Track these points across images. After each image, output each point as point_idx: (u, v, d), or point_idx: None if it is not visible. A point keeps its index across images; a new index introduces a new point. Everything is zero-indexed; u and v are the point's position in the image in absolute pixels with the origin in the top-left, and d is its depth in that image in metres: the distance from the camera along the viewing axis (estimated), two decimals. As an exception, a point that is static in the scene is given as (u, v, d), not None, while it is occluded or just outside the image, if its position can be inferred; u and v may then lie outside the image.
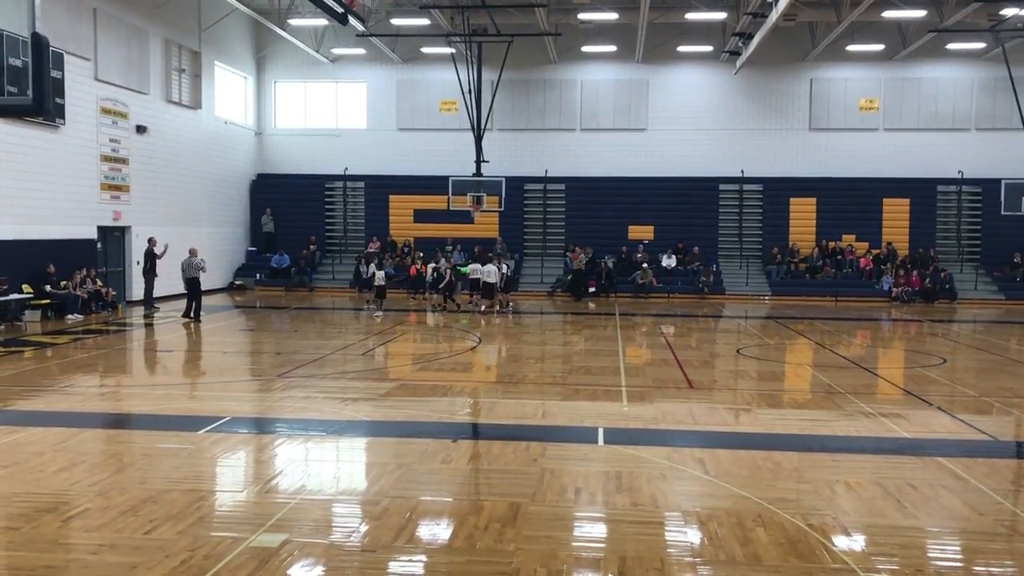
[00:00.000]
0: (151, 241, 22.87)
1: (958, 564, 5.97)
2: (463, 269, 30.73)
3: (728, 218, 32.55)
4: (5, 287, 19.02)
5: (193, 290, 21.27)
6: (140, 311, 22.66)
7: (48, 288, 20.54)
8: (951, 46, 30.48)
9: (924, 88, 31.76)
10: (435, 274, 27.19)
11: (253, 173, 33.45)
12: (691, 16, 28.25)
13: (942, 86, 31.71)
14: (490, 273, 23.82)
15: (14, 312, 19.52)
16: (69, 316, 20.47)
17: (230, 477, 8.16)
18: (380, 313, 23.03)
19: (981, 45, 30.19)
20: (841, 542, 6.24)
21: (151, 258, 22.65)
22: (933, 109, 31.76)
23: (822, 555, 5.98)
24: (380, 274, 23.74)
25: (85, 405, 11.08)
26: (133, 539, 6.13)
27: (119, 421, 10.35)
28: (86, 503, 6.91)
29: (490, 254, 28.88)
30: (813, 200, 32.01)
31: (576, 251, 30.25)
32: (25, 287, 20.11)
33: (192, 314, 21.06)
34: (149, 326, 20.30)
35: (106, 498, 7.03)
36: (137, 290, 24.45)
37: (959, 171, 31.06)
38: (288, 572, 5.60)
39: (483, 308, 23.85)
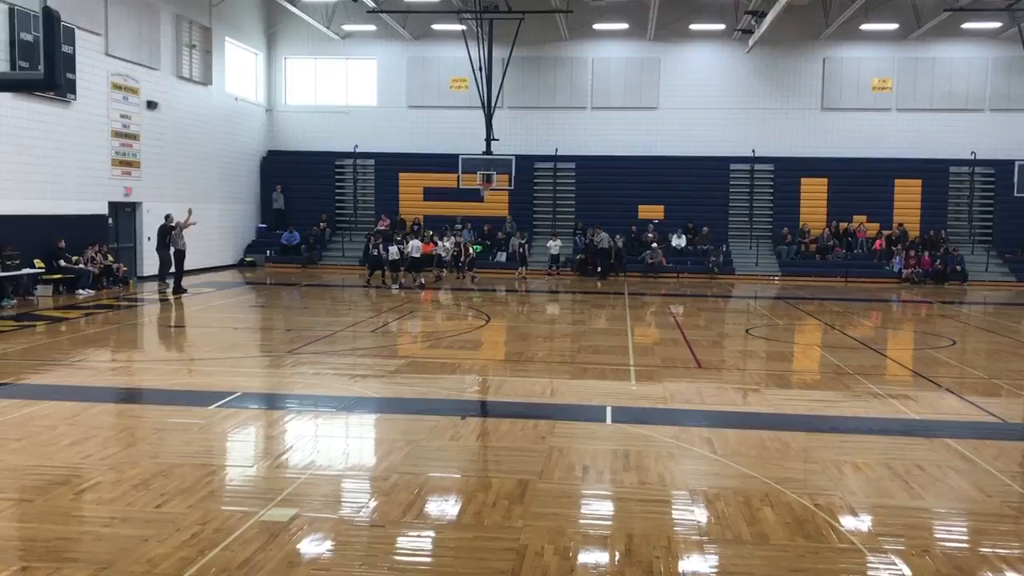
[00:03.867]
0: (168, 218, 22.67)
1: (965, 545, 5.98)
2: (477, 247, 30.82)
3: (739, 198, 32.42)
4: (17, 262, 19.11)
5: (180, 262, 21.84)
6: (154, 286, 22.75)
7: (62, 263, 20.65)
8: (966, 25, 30.19)
9: (938, 68, 31.48)
10: (456, 249, 27.70)
11: (263, 150, 33.43)
12: (704, -6, 28.03)
13: (956, 66, 31.42)
14: (523, 246, 29.64)
15: (26, 287, 19.63)
16: (80, 291, 20.58)
17: (240, 452, 8.22)
18: (396, 287, 23.72)
19: (997, 24, 29.89)
20: (848, 522, 6.26)
21: (165, 234, 22.52)
22: (947, 89, 31.50)
23: (829, 535, 6.01)
24: (394, 249, 24.29)
25: (97, 380, 11.16)
26: (144, 512, 6.19)
27: (130, 396, 10.42)
28: (98, 476, 6.98)
29: (499, 232, 29.08)
30: (824, 180, 31.84)
31: (596, 229, 30.15)
32: (37, 262, 20.21)
33: (179, 286, 21.58)
34: (164, 301, 20.40)
35: (118, 472, 7.09)
36: (149, 266, 24.62)
37: (972, 152, 30.83)
38: (297, 546, 5.66)
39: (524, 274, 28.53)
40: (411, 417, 9.23)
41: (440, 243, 27.22)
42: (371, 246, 25.73)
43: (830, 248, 30.80)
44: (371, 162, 33.23)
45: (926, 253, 29.94)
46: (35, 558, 5.40)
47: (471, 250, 28.57)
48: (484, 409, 10.06)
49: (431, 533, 5.99)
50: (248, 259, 31.44)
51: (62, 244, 20.72)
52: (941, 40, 31.11)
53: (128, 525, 5.95)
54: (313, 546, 5.70)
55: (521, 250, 29.88)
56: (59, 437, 8.10)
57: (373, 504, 6.52)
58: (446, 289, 24.56)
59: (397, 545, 5.77)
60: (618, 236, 30.35)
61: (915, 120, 31.70)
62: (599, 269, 29.46)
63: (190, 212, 22.55)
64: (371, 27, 31.92)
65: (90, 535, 5.83)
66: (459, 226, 31.50)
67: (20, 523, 6.04)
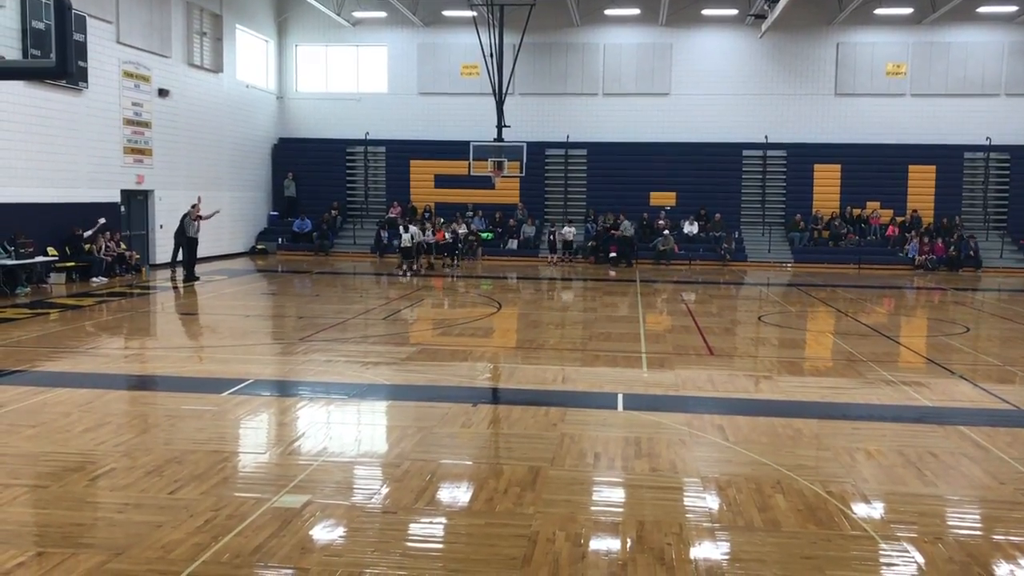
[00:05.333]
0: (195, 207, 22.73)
1: (977, 532, 5.96)
2: (485, 235, 30.80)
3: (751, 184, 32.27)
4: (31, 249, 19.21)
5: (192, 249, 21.96)
6: (166, 274, 22.87)
7: (85, 245, 20.77)
8: (982, 9, 29.90)
9: (953, 52, 31.19)
10: (453, 237, 27.71)
11: (275, 137, 33.45)
12: (716, -22, 27.83)
13: (972, 50, 31.13)
14: (552, 233, 30.20)
15: (40, 274, 19.74)
16: (94, 279, 20.68)
17: (253, 439, 8.25)
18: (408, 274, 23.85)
19: (1013, 8, 29.60)
20: (860, 509, 6.25)
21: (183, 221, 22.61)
22: (962, 74, 31.21)
23: (841, 522, 6.00)
24: (406, 236, 24.34)
25: (110, 367, 11.22)
26: (158, 499, 6.23)
27: (144, 383, 10.47)
28: (112, 463, 7.02)
29: (511, 220, 28.91)
30: (838, 167, 31.64)
31: (620, 217, 29.87)
32: (50, 250, 20.31)
33: (191, 273, 21.62)
34: (176, 289, 20.48)
35: (131, 458, 7.14)
36: (161, 254, 24.75)
37: (987, 137, 30.60)
38: (310, 533, 5.68)
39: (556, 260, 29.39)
40: (423, 404, 9.25)
41: (427, 231, 27.10)
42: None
43: (843, 235, 30.65)
44: (382, 149, 33.22)
45: (939, 240, 29.76)
46: (50, 543, 5.45)
47: (447, 237, 28.37)
48: (495, 396, 10.07)
49: (443, 520, 6.01)
50: (260, 246, 31.50)
51: (79, 232, 20.84)
52: (956, 24, 30.82)
53: (142, 511, 5.99)
54: (326, 532, 5.73)
55: (551, 237, 30.02)
56: (73, 424, 8.15)
57: (385, 491, 6.54)
58: (455, 277, 24.56)
59: (409, 532, 5.79)
60: (630, 223, 30.27)
61: (930, 105, 31.44)
62: (612, 255, 29.36)
63: (199, 200, 22.68)
64: (381, 14, 31.86)
65: (104, 521, 5.87)
66: (470, 214, 31.49)
67: (35, 509, 6.09)
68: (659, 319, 16.81)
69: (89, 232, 21.30)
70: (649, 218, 31.12)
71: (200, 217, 22.31)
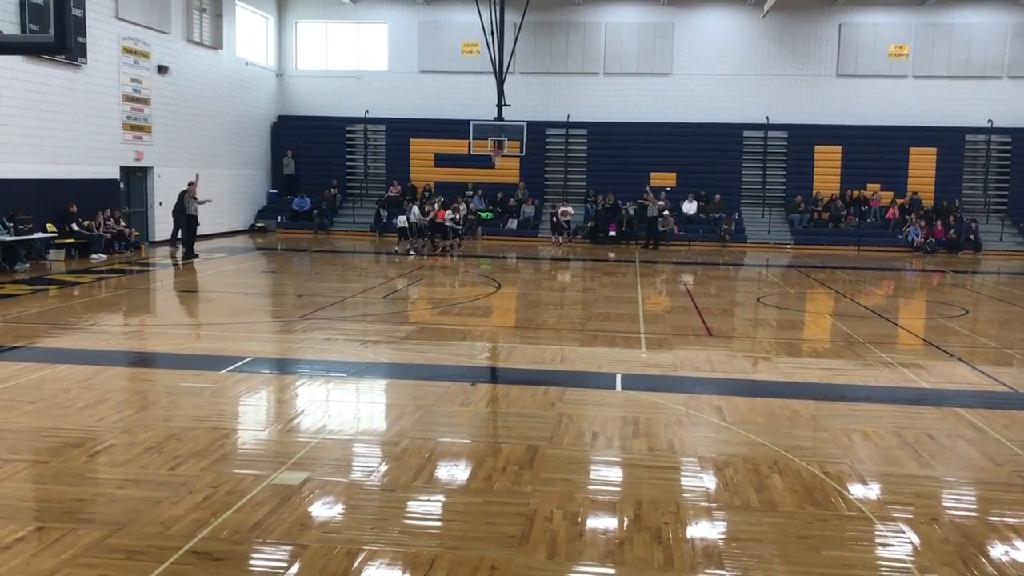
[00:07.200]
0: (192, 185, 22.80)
1: (973, 514, 5.99)
2: (484, 215, 30.75)
3: (752, 165, 32.19)
4: (30, 226, 19.19)
5: (191, 227, 22.00)
6: (166, 251, 22.86)
7: (75, 227, 20.72)
8: (986, -10, 29.77)
9: (956, 34, 31.04)
10: (455, 217, 27.56)
11: (274, 115, 33.31)
12: (719, -43, 27.63)
13: (975, 32, 30.97)
14: (554, 214, 30.14)
15: (39, 251, 19.73)
16: (93, 256, 20.67)
17: (252, 416, 8.27)
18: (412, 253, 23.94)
19: (1017, -10, 29.46)
20: (856, 490, 6.27)
21: (181, 198, 22.65)
22: (965, 56, 31.07)
23: (837, 502, 6.03)
24: (402, 218, 24.31)
25: (110, 343, 11.23)
26: (158, 475, 6.25)
27: (143, 360, 10.48)
28: (112, 439, 7.04)
29: (512, 200, 28.80)
30: (839, 148, 31.57)
31: (648, 194, 29.20)
32: (49, 226, 20.29)
33: (191, 251, 21.65)
34: (176, 266, 20.47)
35: (131, 435, 7.16)
36: (161, 231, 24.72)
37: (989, 120, 30.50)
38: (309, 509, 5.71)
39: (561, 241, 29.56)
40: (421, 383, 9.26)
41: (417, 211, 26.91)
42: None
43: (843, 216, 30.61)
44: (382, 128, 33.09)
45: (939, 222, 29.72)
46: (50, 518, 5.47)
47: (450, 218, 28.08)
48: (494, 375, 10.09)
49: (441, 497, 6.04)
50: (259, 224, 31.45)
51: (73, 208, 20.80)
52: (959, 6, 30.66)
53: (141, 487, 6.01)
54: (324, 509, 5.75)
55: (554, 218, 29.96)
56: (73, 400, 8.17)
57: (384, 468, 6.57)
58: (455, 256, 24.55)
59: (407, 509, 5.82)
60: (629, 203, 30.21)
61: (931, 87, 31.32)
62: (612, 234, 29.29)
63: (196, 178, 22.64)
64: (382, -9, 31.66)
65: (104, 496, 5.90)
66: (469, 193, 31.42)
67: (35, 484, 6.11)
68: (658, 300, 16.82)
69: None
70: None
71: (195, 198, 22.29)
